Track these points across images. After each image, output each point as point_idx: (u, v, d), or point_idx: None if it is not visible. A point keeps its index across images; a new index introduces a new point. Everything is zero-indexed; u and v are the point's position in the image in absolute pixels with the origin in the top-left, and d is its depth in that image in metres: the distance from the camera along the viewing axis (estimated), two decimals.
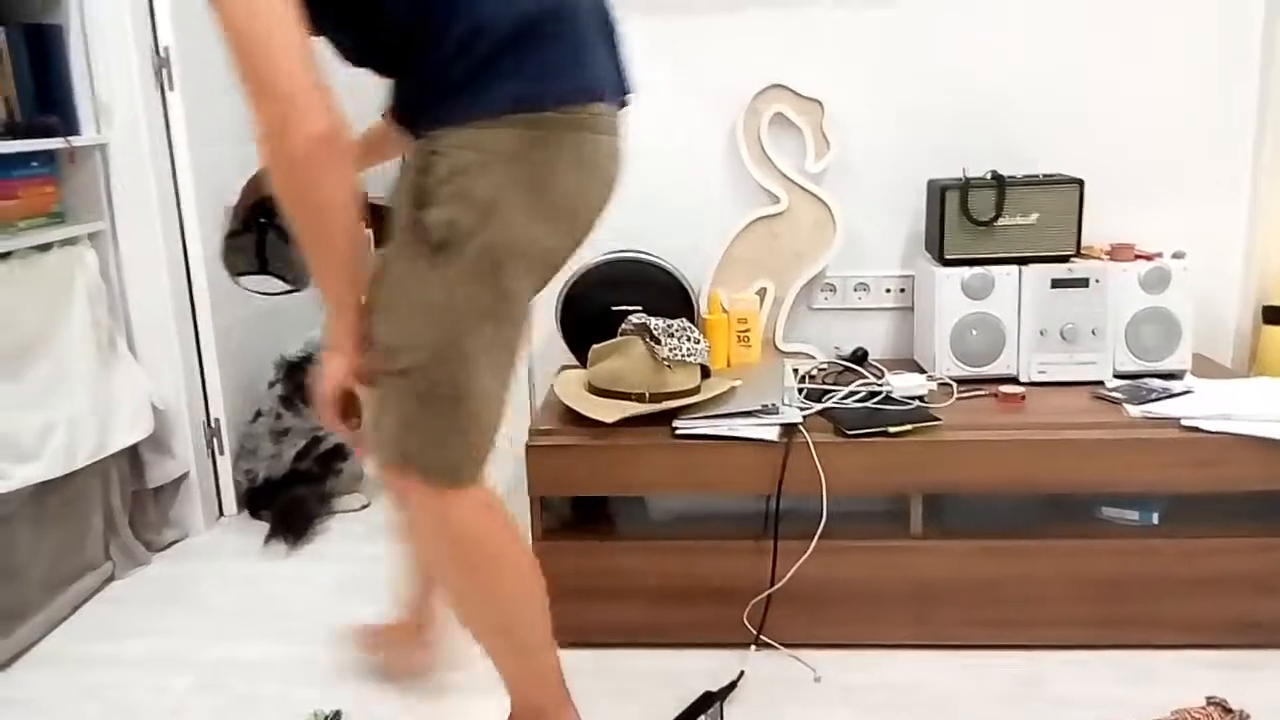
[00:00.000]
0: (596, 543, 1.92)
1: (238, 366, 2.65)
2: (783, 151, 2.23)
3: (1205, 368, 2.13)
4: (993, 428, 1.84)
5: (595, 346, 1.98)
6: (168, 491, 2.54)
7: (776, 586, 1.87)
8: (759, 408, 1.88)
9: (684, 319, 1.98)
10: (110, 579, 2.31)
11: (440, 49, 1.18)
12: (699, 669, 1.85)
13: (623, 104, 1.39)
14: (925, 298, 2.16)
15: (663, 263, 2.15)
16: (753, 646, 1.90)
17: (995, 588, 1.86)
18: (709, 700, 1.71)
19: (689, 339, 1.91)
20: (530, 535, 1.92)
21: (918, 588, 1.87)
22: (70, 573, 2.20)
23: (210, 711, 1.79)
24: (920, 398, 1.96)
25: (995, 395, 1.99)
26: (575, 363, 2.19)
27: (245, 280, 1.71)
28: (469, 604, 1.39)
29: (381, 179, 1.44)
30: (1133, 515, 1.90)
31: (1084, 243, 2.13)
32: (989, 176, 2.09)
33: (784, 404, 1.90)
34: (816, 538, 1.84)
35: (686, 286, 2.15)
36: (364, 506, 2.65)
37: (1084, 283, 2.03)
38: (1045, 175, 2.13)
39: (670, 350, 1.88)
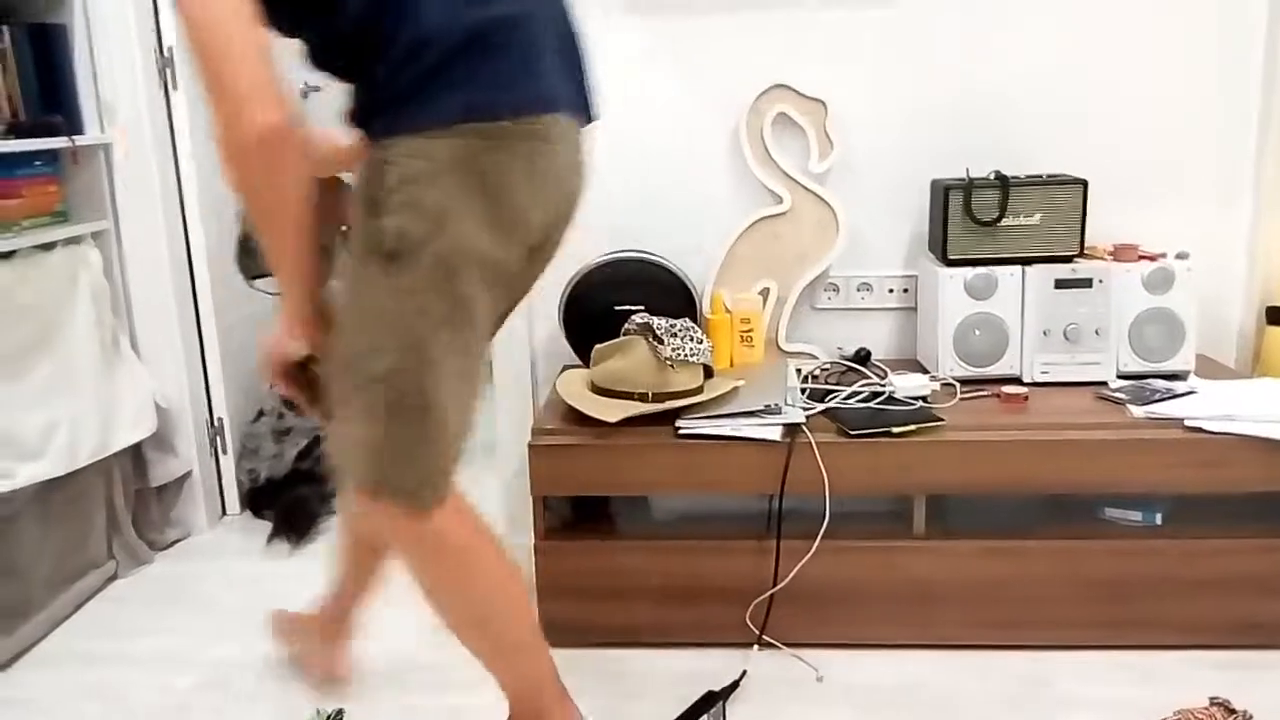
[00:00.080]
0: (599, 542, 1.92)
1: (240, 366, 2.65)
2: (786, 151, 2.23)
3: (1209, 368, 2.13)
4: (996, 428, 1.84)
5: (598, 346, 1.98)
6: (170, 490, 2.54)
7: (779, 586, 1.87)
8: (762, 408, 1.87)
9: (687, 319, 1.98)
10: (113, 578, 2.31)
11: (391, 57, 1.19)
12: (702, 669, 1.85)
13: (587, 119, 1.39)
14: (928, 298, 2.15)
15: (666, 262, 2.15)
16: (755, 646, 1.90)
17: (998, 588, 1.86)
18: (711, 700, 1.71)
19: (692, 339, 1.91)
20: (533, 535, 1.92)
21: (920, 588, 1.87)
22: (73, 571, 2.20)
23: (212, 710, 1.79)
24: (923, 398, 1.96)
25: (998, 396, 1.99)
26: (578, 362, 2.19)
27: (260, 283, 1.72)
28: (445, 605, 1.39)
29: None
30: (1136, 516, 1.90)
31: (1087, 243, 2.13)
32: (992, 177, 2.09)
33: (787, 404, 1.90)
34: (819, 538, 1.84)
35: (689, 286, 2.15)
36: None
37: (1087, 283, 2.02)
38: (1049, 175, 2.13)
39: (673, 350, 1.88)
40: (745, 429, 1.84)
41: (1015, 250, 2.07)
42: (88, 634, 2.09)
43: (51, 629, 2.10)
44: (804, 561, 1.86)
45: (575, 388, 1.98)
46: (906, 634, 1.89)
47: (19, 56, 2.16)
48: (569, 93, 1.31)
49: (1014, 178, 2.09)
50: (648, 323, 1.92)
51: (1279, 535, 1.82)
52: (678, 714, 1.69)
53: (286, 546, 2.44)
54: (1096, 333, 2.03)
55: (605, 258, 2.17)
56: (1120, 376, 2.06)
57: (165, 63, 2.40)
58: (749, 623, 1.90)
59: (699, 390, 1.92)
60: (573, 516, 2.03)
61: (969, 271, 2.05)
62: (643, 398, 1.88)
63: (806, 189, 2.22)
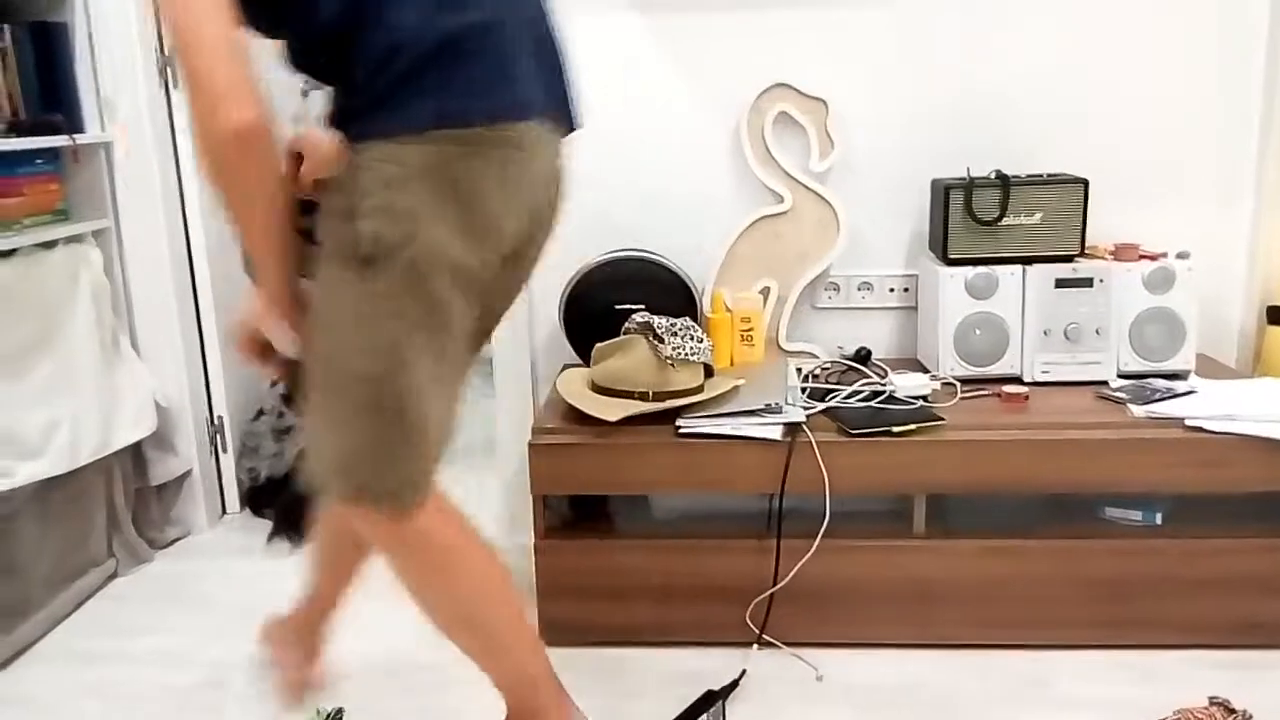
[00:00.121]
0: (599, 541, 1.92)
1: (240, 365, 2.65)
2: (787, 150, 2.23)
3: (1209, 368, 2.13)
4: (996, 428, 1.84)
5: (599, 345, 1.98)
6: (170, 489, 2.54)
7: (779, 585, 1.87)
8: (762, 407, 1.87)
9: (687, 318, 1.98)
10: (113, 576, 2.31)
11: (365, 62, 1.20)
12: (702, 668, 1.85)
13: (567, 127, 1.39)
14: (929, 297, 2.15)
15: (666, 261, 2.15)
16: (755, 645, 1.90)
17: (998, 588, 1.86)
18: (711, 699, 1.71)
19: (692, 338, 1.91)
20: (533, 534, 1.92)
21: (920, 587, 1.87)
22: (73, 570, 2.20)
23: (212, 709, 1.79)
24: (923, 397, 1.96)
25: (999, 395, 1.99)
26: (578, 361, 2.19)
27: None
28: (431, 604, 1.39)
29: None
30: (1136, 515, 1.90)
31: (1088, 243, 2.13)
32: (993, 176, 2.09)
33: (787, 403, 1.90)
34: (819, 537, 1.84)
35: (690, 285, 2.15)
36: None
37: (1088, 283, 2.02)
38: (1049, 175, 2.13)
39: (674, 349, 1.88)
40: (746, 428, 1.84)
41: (1016, 250, 2.07)
42: (87, 632, 2.09)
43: (51, 627, 2.10)
44: (804, 561, 1.86)
45: (575, 387, 1.98)
46: (906, 633, 1.89)
47: (20, 55, 2.17)
48: (545, 100, 1.32)
49: (1014, 177, 2.09)
50: (648, 322, 1.92)
51: (1279, 535, 1.82)
52: (677, 713, 1.69)
53: (286, 545, 2.44)
54: (1097, 332, 2.03)
55: (605, 257, 2.16)
56: (1121, 376, 2.06)
57: (166, 61, 2.39)
58: (749, 622, 1.90)
59: (699, 389, 1.92)
60: (571, 515, 2.03)
61: (969, 271, 2.05)
62: (643, 397, 1.88)
63: (807, 188, 2.22)
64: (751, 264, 2.26)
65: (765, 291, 2.27)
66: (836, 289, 2.31)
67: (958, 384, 2.05)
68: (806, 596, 1.88)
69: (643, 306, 2.10)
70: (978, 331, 2.07)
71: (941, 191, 2.09)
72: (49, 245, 2.18)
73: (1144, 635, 1.85)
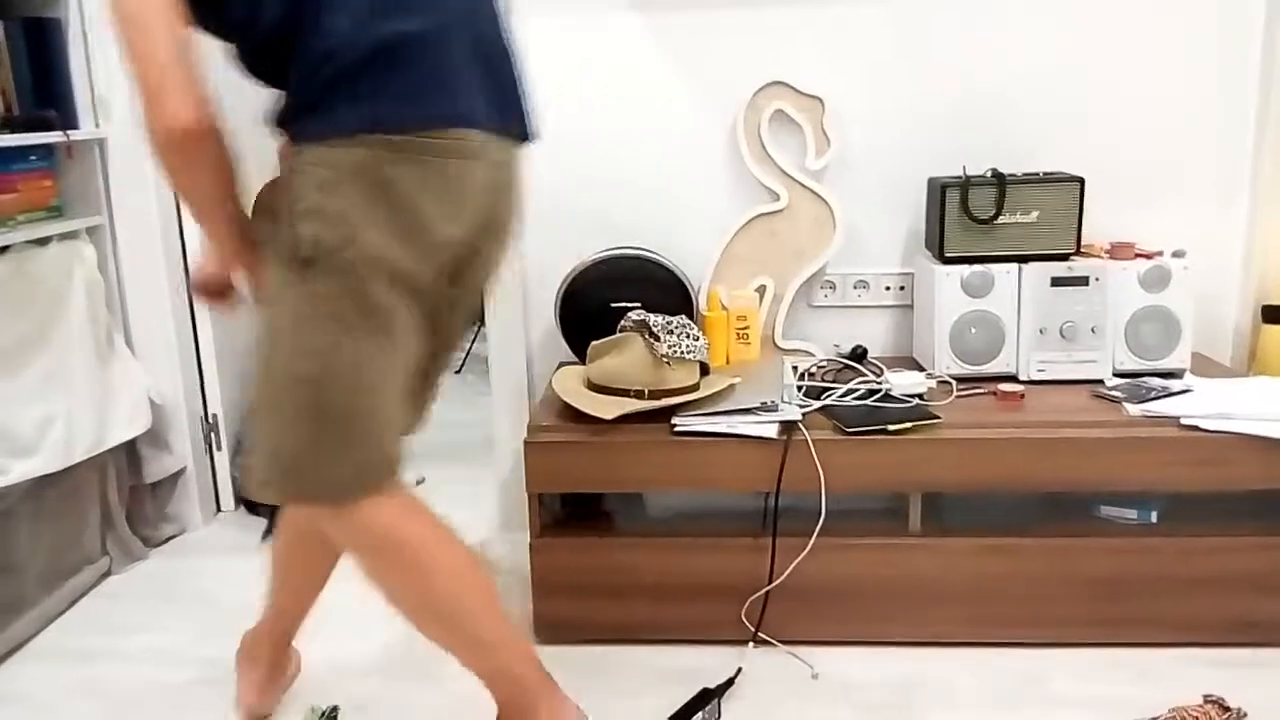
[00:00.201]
0: (595, 539, 1.92)
1: (235, 362, 2.64)
2: (783, 148, 2.23)
3: (1205, 366, 2.13)
4: (992, 426, 1.84)
5: (594, 343, 1.97)
6: (165, 487, 2.53)
7: (775, 584, 1.87)
8: (758, 405, 1.87)
9: (683, 316, 1.98)
10: (107, 574, 2.31)
11: (302, 66, 1.23)
12: (697, 666, 1.85)
13: (519, 138, 1.39)
14: (925, 295, 2.15)
15: (662, 259, 2.15)
16: (751, 643, 1.90)
17: (994, 586, 1.86)
18: (706, 697, 1.71)
19: (688, 336, 1.91)
20: (528, 531, 1.92)
21: (916, 585, 1.87)
22: (67, 567, 2.20)
23: (207, 707, 1.79)
24: (919, 396, 1.96)
25: (994, 393, 1.99)
26: (574, 359, 2.19)
27: None
28: (400, 601, 1.39)
29: None
30: (1131, 514, 1.90)
31: (1084, 241, 2.13)
32: (989, 174, 2.08)
33: (783, 401, 1.90)
34: (815, 535, 1.84)
35: (686, 283, 2.15)
36: None
37: (1084, 281, 2.02)
38: (1045, 173, 2.13)
39: (669, 347, 1.88)
40: (741, 426, 1.84)
41: (1012, 248, 2.07)
42: (81, 630, 2.08)
43: (45, 625, 2.09)
44: (800, 559, 1.86)
45: (571, 385, 1.97)
46: (902, 631, 1.89)
47: (13, 51, 2.16)
48: (488, 110, 1.32)
49: (1011, 175, 2.09)
50: (644, 320, 1.92)
51: (1274, 534, 1.82)
52: (673, 711, 1.69)
53: None
54: (1093, 330, 2.03)
55: (601, 254, 2.16)
56: (1116, 374, 2.06)
57: None
58: (744, 620, 1.90)
59: (695, 387, 1.91)
60: (564, 514, 2.03)
61: (965, 269, 2.05)
62: (639, 395, 1.88)
63: (803, 186, 2.22)
64: (747, 262, 2.26)
65: (761, 289, 2.27)
66: (832, 287, 2.31)
67: (953, 382, 2.05)
68: (802, 595, 1.88)
69: (638, 304, 2.10)
70: (973, 330, 2.07)
71: (938, 190, 2.09)
72: (43, 242, 2.17)
73: (1139, 633, 1.86)
